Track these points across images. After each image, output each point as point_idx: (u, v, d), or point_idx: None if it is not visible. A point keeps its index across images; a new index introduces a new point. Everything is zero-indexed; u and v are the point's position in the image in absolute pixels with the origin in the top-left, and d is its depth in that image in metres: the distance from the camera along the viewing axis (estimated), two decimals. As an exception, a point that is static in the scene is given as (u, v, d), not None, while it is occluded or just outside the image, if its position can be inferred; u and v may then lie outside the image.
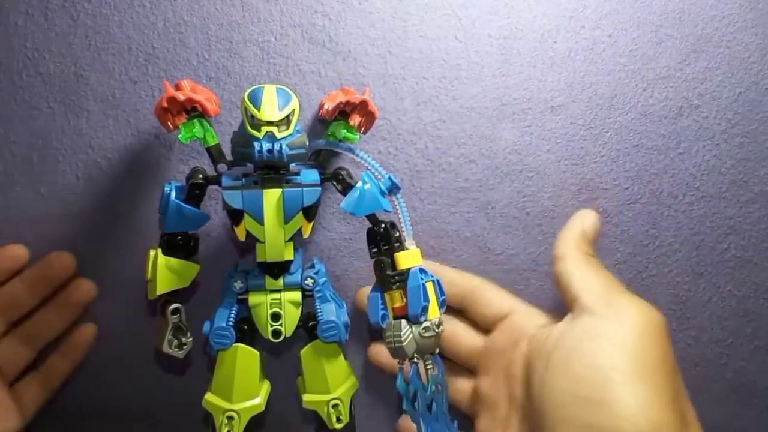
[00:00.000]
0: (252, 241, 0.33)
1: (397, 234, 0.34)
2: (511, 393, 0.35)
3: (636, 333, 0.29)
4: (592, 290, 0.32)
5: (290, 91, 0.32)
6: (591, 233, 0.35)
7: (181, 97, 0.32)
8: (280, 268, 0.34)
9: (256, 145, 0.31)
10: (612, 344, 0.29)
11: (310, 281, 0.35)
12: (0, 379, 0.36)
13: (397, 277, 0.34)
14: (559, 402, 0.30)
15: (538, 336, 0.34)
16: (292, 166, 0.34)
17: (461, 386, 0.38)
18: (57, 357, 0.39)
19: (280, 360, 0.40)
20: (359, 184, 0.33)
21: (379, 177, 0.34)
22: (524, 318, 0.36)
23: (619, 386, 0.28)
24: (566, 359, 0.30)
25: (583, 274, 0.33)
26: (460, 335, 0.38)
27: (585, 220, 0.35)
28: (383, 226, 0.35)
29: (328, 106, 0.35)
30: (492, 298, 0.37)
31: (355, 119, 0.35)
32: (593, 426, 0.28)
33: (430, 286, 0.33)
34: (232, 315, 0.34)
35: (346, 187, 0.34)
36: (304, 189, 0.32)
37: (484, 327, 0.37)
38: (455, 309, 0.38)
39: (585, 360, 0.29)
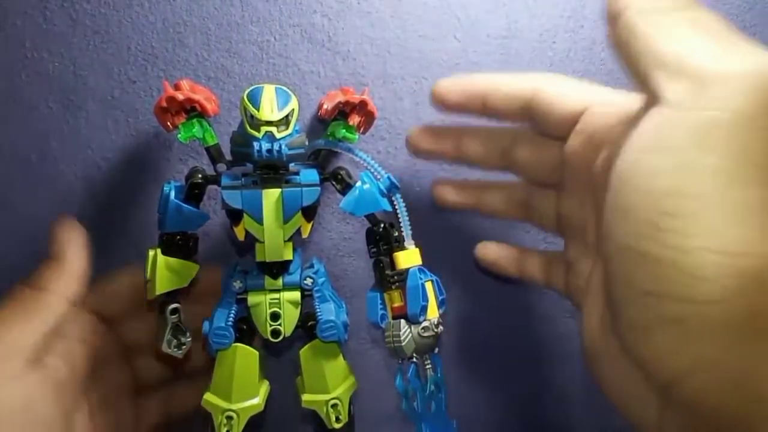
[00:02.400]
0: (251, 240, 0.33)
1: (396, 234, 0.34)
2: (600, 213, 0.25)
3: (749, 113, 0.19)
4: (680, 54, 0.21)
5: (289, 91, 0.32)
6: None
7: (180, 96, 0.32)
8: (279, 268, 0.34)
9: (256, 145, 0.31)
10: (725, 143, 0.19)
11: (309, 281, 0.35)
12: (129, 398, 0.36)
13: (396, 277, 0.34)
14: (619, 223, 0.22)
15: (618, 133, 0.24)
16: (292, 166, 0.34)
17: (549, 205, 0.33)
18: (184, 383, 0.38)
19: (280, 360, 0.40)
20: (358, 183, 0.33)
21: (379, 177, 0.34)
22: (600, 113, 0.28)
23: (710, 211, 0.19)
24: (637, 160, 0.21)
25: (665, 31, 0.22)
26: (533, 152, 0.32)
27: None
28: (382, 225, 0.35)
29: (327, 105, 0.35)
30: (558, 97, 0.29)
31: (355, 119, 0.35)
32: (658, 259, 0.20)
33: (429, 286, 0.33)
34: (231, 315, 0.34)
35: (346, 187, 0.34)
36: (304, 189, 0.32)
37: (558, 135, 0.30)
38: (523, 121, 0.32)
39: (663, 159, 0.20)
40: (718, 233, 0.19)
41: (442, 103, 0.34)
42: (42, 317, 0.30)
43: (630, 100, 0.26)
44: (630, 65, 0.24)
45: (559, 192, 0.32)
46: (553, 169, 0.32)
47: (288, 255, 0.33)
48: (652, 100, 0.22)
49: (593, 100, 0.29)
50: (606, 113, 0.28)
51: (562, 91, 0.30)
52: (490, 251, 0.38)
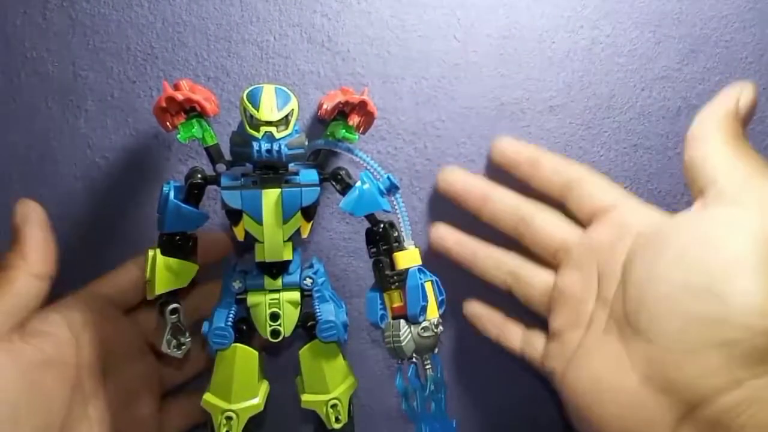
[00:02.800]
0: (251, 241, 0.33)
1: (396, 234, 0.34)
2: (603, 291, 0.32)
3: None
4: (732, 174, 0.27)
5: (289, 91, 0.32)
6: (745, 110, 0.29)
7: (179, 96, 0.32)
8: (278, 268, 0.34)
9: (255, 145, 0.31)
10: (746, 234, 0.26)
11: (308, 281, 0.35)
12: (153, 393, 0.36)
13: (395, 277, 0.34)
14: (666, 292, 0.27)
15: (649, 228, 0.31)
16: (291, 166, 0.34)
17: (540, 279, 0.36)
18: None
19: (279, 360, 0.40)
20: (358, 184, 0.33)
21: (378, 177, 0.34)
22: (630, 213, 0.32)
23: (742, 280, 0.25)
24: (687, 248, 0.27)
25: (723, 157, 0.28)
26: (555, 225, 0.35)
27: (742, 93, 0.29)
28: (382, 225, 0.35)
29: (327, 106, 0.35)
30: (594, 189, 0.34)
31: (354, 119, 0.35)
32: (700, 317, 0.26)
33: (428, 286, 0.33)
34: (231, 315, 0.34)
35: (345, 187, 0.34)
36: (303, 189, 0.32)
37: (582, 220, 0.34)
38: (556, 200, 0.36)
39: (710, 249, 0.26)
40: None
41: (500, 157, 0.38)
42: (3, 295, 0.30)
43: (652, 213, 0.33)
44: (690, 177, 0.30)
45: (560, 268, 0.35)
46: (563, 247, 0.35)
47: (287, 255, 0.33)
48: (710, 200, 0.28)
49: (624, 202, 0.33)
50: (635, 214, 0.33)
51: (602, 185, 0.34)
52: (475, 310, 0.40)
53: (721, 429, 0.25)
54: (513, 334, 0.38)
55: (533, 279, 0.36)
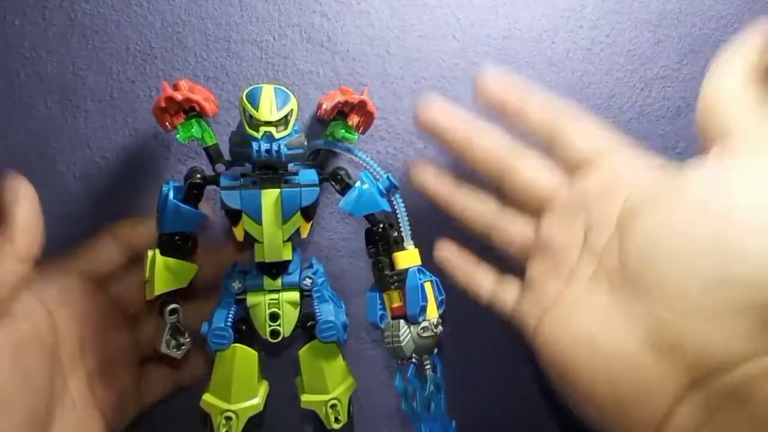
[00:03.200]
0: (250, 241, 0.33)
1: (396, 234, 0.34)
2: (591, 242, 0.30)
3: None
4: (757, 122, 0.25)
5: (288, 91, 0.32)
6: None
7: (178, 96, 0.32)
8: (278, 268, 0.34)
9: (254, 145, 0.31)
10: (759, 192, 0.24)
11: (308, 281, 0.35)
12: (131, 363, 0.36)
13: (395, 277, 0.34)
14: (685, 249, 0.25)
15: (649, 179, 0.29)
16: (291, 166, 0.34)
17: (521, 225, 0.34)
18: (199, 356, 0.38)
19: (279, 360, 0.40)
20: (358, 184, 0.33)
21: (378, 177, 0.34)
22: (622, 162, 0.31)
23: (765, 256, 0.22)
24: (709, 201, 0.25)
25: (746, 102, 0.26)
26: (540, 172, 0.33)
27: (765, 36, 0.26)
28: (381, 226, 0.35)
29: (327, 105, 0.35)
30: (583, 135, 0.32)
31: (354, 119, 0.35)
32: (726, 278, 0.23)
33: (428, 286, 0.33)
34: (231, 315, 0.34)
35: (345, 187, 0.34)
36: (303, 189, 0.32)
37: (570, 167, 0.32)
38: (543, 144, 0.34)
39: (737, 203, 0.24)
40: None
41: (485, 96, 0.34)
42: None
43: (649, 163, 0.31)
44: (707, 124, 0.28)
45: (544, 216, 0.33)
46: (548, 195, 0.33)
47: (287, 255, 0.33)
48: (731, 147, 0.26)
49: (615, 148, 0.31)
50: (629, 164, 0.31)
51: (591, 130, 0.32)
52: (445, 253, 0.38)
53: (737, 401, 0.22)
54: (483, 280, 0.36)
55: (513, 225, 0.34)
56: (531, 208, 0.34)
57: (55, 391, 0.31)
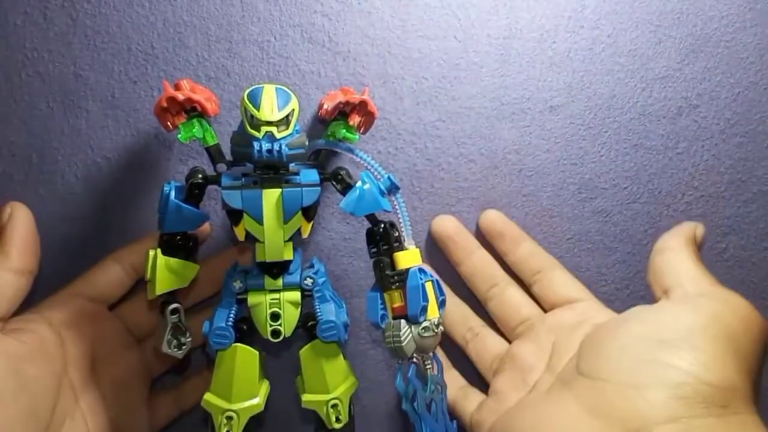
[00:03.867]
0: (251, 241, 0.33)
1: (397, 234, 0.34)
2: (554, 362, 0.35)
3: (720, 318, 0.30)
4: (698, 281, 0.32)
5: (290, 91, 0.32)
6: (699, 240, 0.35)
7: (180, 96, 0.32)
8: (279, 268, 0.34)
9: (256, 145, 0.31)
10: (701, 318, 0.30)
11: (309, 281, 0.35)
12: (142, 383, 0.37)
13: (396, 277, 0.34)
14: (623, 343, 0.31)
15: (610, 315, 0.36)
16: (292, 166, 0.34)
17: (495, 343, 0.39)
18: (197, 377, 0.39)
19: (280, 360, 0.40)
20: (359, 184, 0.33)
21: (379, 177, 0.34)
22: (594, 308, 0.37)
23: (695, 342, 0.29)
24: (649, 321, 0.32)
25: (689, 267, 0.33)
26: (522, 301, 0.39)
27: (697, 228, 0.36)
28: (382, 225, 0.35)
29: (328, 105, 0.35)
30: (565, 281, 0.38)
31: (355, 119, 0.35)
32: (652, 361, 0.29)
33: (429, 286, 0.33)
34: (232, 315, 0.34)
35: (346, 187, 0.34)
36: (304, 189, 0.32)
37: (546, 304, 0.38)
38: (524, 282, 0.40)
39: (672, 323, 0.30)
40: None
41: (487, 227, 0.40)
42: None
43: (612, 313, 0.37)
44: (655, 278, 0.34)
45: (518, 339, 0.38)
46: (525, 321, 0.38)
47: (288, 255, 0.33)
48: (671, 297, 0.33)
49: (589, 299, 0.38)
50: (598, 310, 0.37)
51: (572, 280, 0.39)
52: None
53: None
54: (451, 384, 0.39)
55: (490, 341, 0.39)
56: (507, 328, 0.39)
57: (63, 404, 0.32)
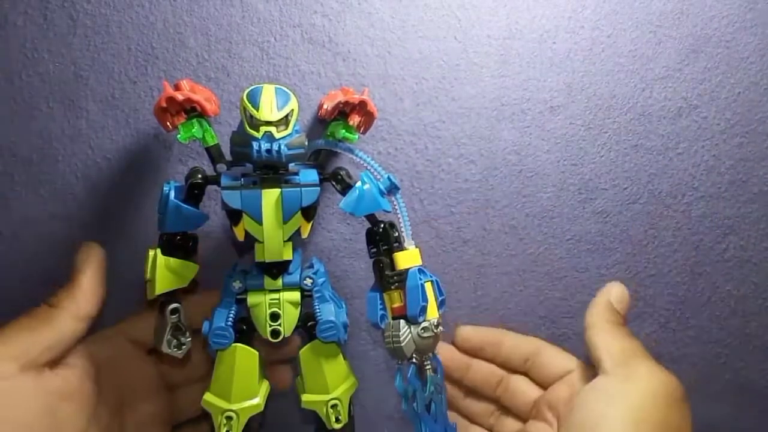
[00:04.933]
0: (251, 241, 0.33)
1: (396, 234, 0.34)
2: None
3: (641, 393, 0.33)
4: (612, 356, 0.35)
5: (289, 91, 0.32)
6: (618, 303, 0.38)
7: (179, 97, 0.32)
8: (278, 268, 0.34)
9: (255, 145, 0.31)
10: (613, 400, 0.33)
11: (308, 281, 0.35)
12: (163, 429, 0.37)
13: (395, 278, 0.34)
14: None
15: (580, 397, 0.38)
16: (291, 166, 0.34)
17: (514, 428, 0.40)
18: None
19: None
20: (358, 184, 0.33)
21: (379, 177, 0.34)
22: (582, 375, 0.39)
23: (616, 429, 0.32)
24: (574, 411, 0.35)
25: (604, 342, 0.36)
26: (525, 388, 0.40)
27: (611, 292, 0.38)
28: (382, 226, 0.35)
29: (327, 106, 0.35)
30: (552, 359, 0.40)
31: (355, 119, 0.35)
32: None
33: (428, 287, 0.33)
34: (231, 315, 0.34)
35: (346, 187, 0.34)
36: (303, 189, 0.32)
37: (545, 384, 0.40)
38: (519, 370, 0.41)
39: (586, 412, 0.34)
40: None
41: (462, 346, 0.42)
42: (47, 331, 0.32)
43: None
44: (590, 355, 0.37)
45: (530, 420, 0.39)
46: (532, 404, 0.40)
47: (287, 255, 0.33)
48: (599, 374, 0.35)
49: (578, 366, 0.39)
50: (583, 377, 0.38)
51: (558, 354, 0.40)
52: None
53: None
54: None
55: (509, 426, 0.41)
56: (522, 414, 0.40)
57: None
